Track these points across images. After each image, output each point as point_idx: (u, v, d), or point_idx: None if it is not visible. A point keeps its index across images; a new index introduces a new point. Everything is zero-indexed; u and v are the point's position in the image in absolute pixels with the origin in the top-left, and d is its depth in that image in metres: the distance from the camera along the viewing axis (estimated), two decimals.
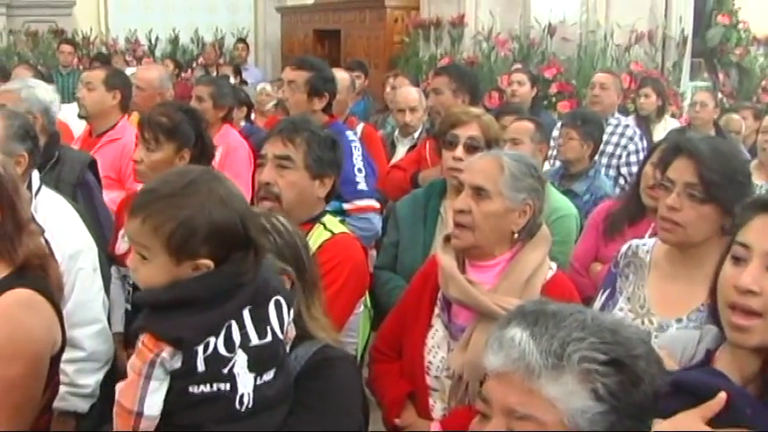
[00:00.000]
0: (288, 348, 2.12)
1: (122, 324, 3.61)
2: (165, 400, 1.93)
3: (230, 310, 1.94)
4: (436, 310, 2.85)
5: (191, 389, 1.92)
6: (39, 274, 2.48)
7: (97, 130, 4.92)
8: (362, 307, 3.13)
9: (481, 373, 2.62)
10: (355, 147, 4.17)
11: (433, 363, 2.82)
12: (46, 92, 4.27)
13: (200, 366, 1.91)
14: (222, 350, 1.92)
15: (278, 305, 2.03)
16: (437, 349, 2.82)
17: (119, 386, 1.95)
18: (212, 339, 1.91)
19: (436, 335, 2.83)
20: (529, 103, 6.73)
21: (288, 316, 2.06)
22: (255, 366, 1.96)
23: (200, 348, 1.90)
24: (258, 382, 1.97)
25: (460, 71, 5.19)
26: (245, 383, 1.95)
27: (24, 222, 2.47)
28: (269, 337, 1.99)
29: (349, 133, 4.13)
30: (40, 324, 2.44)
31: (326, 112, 4.49)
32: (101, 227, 3.82)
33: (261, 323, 1.98)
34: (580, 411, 1.45)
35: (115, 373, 3.39)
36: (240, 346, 1.94)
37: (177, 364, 1.90)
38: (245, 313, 1.96)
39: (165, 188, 1.94)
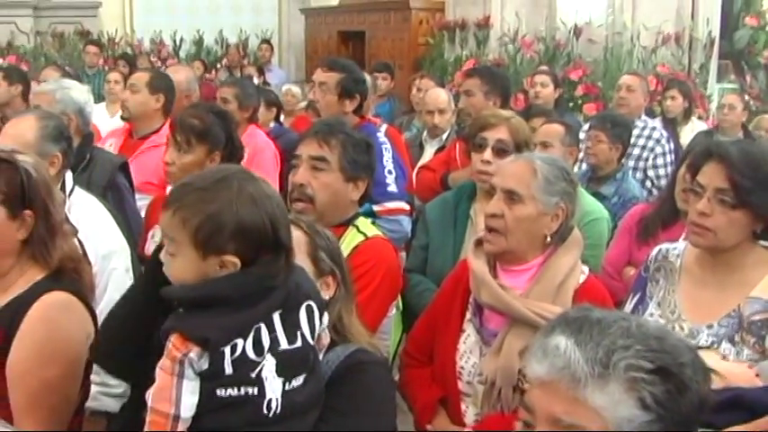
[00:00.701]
0: (321, 354, 2.12)
1: None
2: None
3: (259, 313, 1.94)
4: (468, 315, 2.84)
5: (218, 392, 1.92)
6: (73, 277, 2.52)
7: (138, 133, 4.91)
8: (395, 309, 3.12)
9: (514, 379, 2.63)
10: (386, 148, 4.16)
11: (465, 368, 2.80)
12: (80, 93, 4.31)
13: (228, 369, 1.90)
14: (251, 353, 1.91)
15: (309, 310, 2.02)
16: (469, 354, 2.80)
17: (149, 392, 1.94)
18: (240, 341, 1.90)
19: (468, 340, 2.82)
20: (552, 105, 6.70)
21: (319, 322, 2.05)
22: (284, 371, 1.96)
23: (228, 350, 1.90)
24: (287, 387, 1.96)
25: (492, 73, 5.16)
26: (274, 388, 1.94)
27: (58, 226, 2.51)
28: (298, 343, 1.98)
29: (379, 135, 4.13)
30: (77, 326, 2.49)
31: (357, 113, 4.49)
32: (130, 229, 3.84)
33: (291, 328, 1.98)
34: (626, 420, 1.43)
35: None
36: (269, 351, 1.93)
37: (205, 365, 1.90)
38: (276, 317, 1.95)
39: (198, 183, 1.96)
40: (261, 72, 10.96)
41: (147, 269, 2.25)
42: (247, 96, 5.40)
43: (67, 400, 2.48)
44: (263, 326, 1.93)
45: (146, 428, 1.94)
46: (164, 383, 1.91)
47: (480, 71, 5.15)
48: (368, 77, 5.82)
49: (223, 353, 1.89)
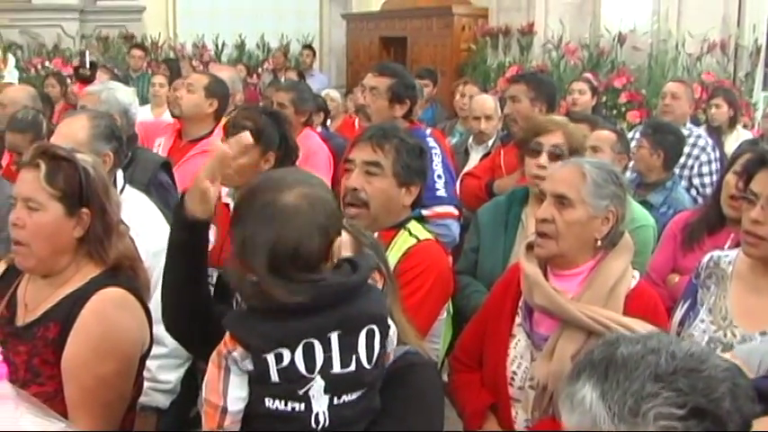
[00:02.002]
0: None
1: None
2: (245, 408, 1.98)
3: (307, 328, 1.94)
4: (518, 320, 2.83)
5: (267, 402, 1.96)
6: (129, 274, 2.56)
7: (188, 135, 4.96)
8: (445, 313, 3.12)
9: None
10: (436, 153, 4.16)
11: (516, 373, 2.79)
12: (125, 94, 4.39)
13: (274, 376, 1.93)
14: (300, 367, 1.93)
15: (370, 334, 2.02)
16: (520, 359, 2.79)
17: (204, 383, 2.01)
18: (286, 352, 1.93)
19: (518, 345, 2.81)
20: (589, 112, 6.68)
21: (380, 345, 2.05)
22: (332, 390, 1.98)
23: (271, 358, 1.92)
24: (335, 402, 1.98)
25: (539, 80, 5.12)
26: (320, 403, 1.96)
27: (114, 225, 2.55)
28: (352, 367, 1.99)
29: (429, 140, 4.12)
30: (133, 323, 2.52)
31: (407, 118, 4.50)
32: None
33: (347, 351, 1.98)
34: None
35: (192, 371, 3.47)
36: (320, 371, 1.95)
37: (249, 366, 1.95)
38: (333, 337, 1.96)
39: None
40: (301, 77, 11.01)
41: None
42: (303, 101, 5.43)
43: (121, 396, 2.51)
44: (316, 343, 1.94)
45: (203, 419, 2.00)
46: (212, 375, 1.98)
47: (527, 77, 5.13)
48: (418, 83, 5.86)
49: (266, 359, 1.92)
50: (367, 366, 2.01)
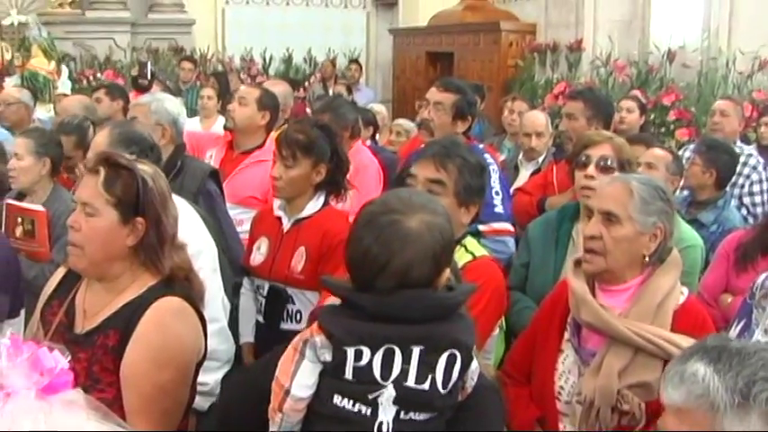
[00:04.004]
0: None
1: (252, 334, 3.72)
2: (313, 401, 2.04)
3: (393, 335, 2.00)
4: (566, 335, 2.85)
5: (336, 398, 2.01)
6: (184, 284, 2.60)
7: (240, 146, 5.02)
8: (498, 329, 3.15)
9: (613, 399, 2.63)
10: (493, 170, 4.15)
11: (564, 388, 2.81)
12: (174, 105, 4.46)
13: (348, 373, 1.99)
14: (376, 371, 1.98)
15: (451, 359, 2.05)
16: (568, 374, 2.81)
17: (280, 360, 2.09)
18: (366, 351, 1.98)
19: (566, 360, 2.83)
20: (637, 131, 6.62)
21: (458, 374, 2.08)
22: (401, 403, 2.02)
23: (351, 353, 1.98)
24: (402, 416, 2.02)
25: (597, 98, 5.07)
26: (387, 413, 2.00)
27: (169, 237, 2.59)
28: (426, 385, 2.02)
29: (486, 156, 4.15)
30: (189, 332, 2.56)
31: (465, 135, 4.52)
32: (222, 234, 3.97)
33: (425, 369, 2.02)
34: None
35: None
36: (394, 381, 2.00)
37: (327, 356, 2.00)
38: (415, 352, 2.01)
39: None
40: (350, 91, 11.07)
41: None
42: (341, 116, 5.39)
43: (178, 402, 2.56)
44: (397, 351, 1.99)
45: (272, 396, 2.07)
46: (288, 356, 2.06)
47: (585, 95, 5.06)
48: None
49: (345, 353, 1.98)
50: (441, 390, 2.04)
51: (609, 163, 3.61)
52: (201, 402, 3.19)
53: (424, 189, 2.97)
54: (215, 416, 2.88)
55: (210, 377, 3.25)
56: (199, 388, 3.21)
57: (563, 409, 2.81)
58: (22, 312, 3.44)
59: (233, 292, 3.75)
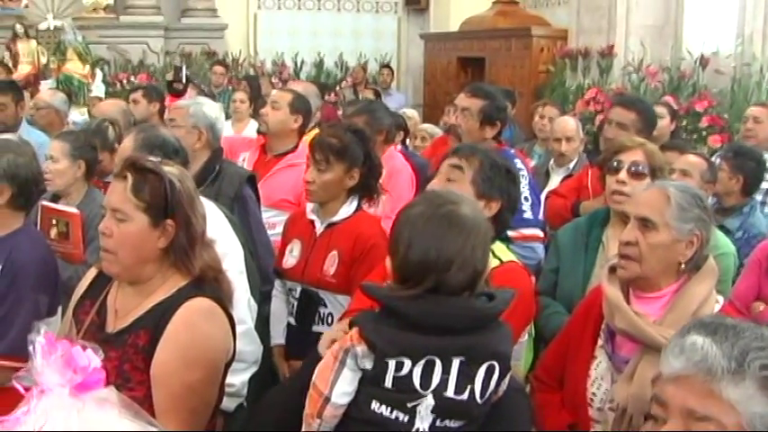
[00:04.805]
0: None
1: (283, 337, 3.73)
2: (350, 405, 2.04)
3: (432, 344, 2.00)
4: (600, 342, 2.82)
5: (374, 404, 2.01)
6: (213, 285, 2.61)
7: (273, 150, 5.03)
8: (527, 335, 3.13)
9: (646, 407, 2.58)
10: (523, 175, 4.12)
11: (596, 395, 2.79)
12: (212, 109, 4.46)
13: (388, 382, 1.99)
14: (416, 381, 1.99)
15: (490, 370, 2.07)
16: (600, 381, 2.79)
17: (318, 366, 2.09)
18: (407, 363, 1.98)
19: (599, 366, 2.81)
20: (668, 137, 6.57)
21: (496, 384, 2.10)
22: (438, 412, 2.03)
23: (392, 364, 1.98)
24: (438, 423, 2.03)
25: (649, 112, 5.01)
26: (424, 421, 2.02)
27: (198, 236, 2.60)
28: (465, 396, 2.04)
29: (516, 161, 4.14)
30: (219, 332, 2.57)
31: (495, 139, 4.52)
32: (251, 236, 4.01)
33: (465, 380, 2.04)
34: (759, 416, 1.50)
35: (271, 383, 3.51)
36: (434, 391, 2.01)
37: (368, 365, 2.00)
38: (455, 363, 2.02)
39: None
40: (378, 95, 11.04)
41: None
42: (378, 120, 5.40)
43: (207, 402, 2.57)
44: (438, 362, 2.00)
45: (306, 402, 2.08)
46: (327, 363, 2.07)
47: (638, 107, 4.97)
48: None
49: (387, 363, 1.98)
50: (478, 400, 2.06)
51: (640, 169, 3.59)
52: (228, 403, 3.20)
53: (443, 179, 3.03)
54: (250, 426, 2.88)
55: (237, 378, 3.26)
56: (226, 389, 3.25)
57: (595, 416, 2.79)
58: (59, 310, 3.46)
59: (261, 299, 3.75)
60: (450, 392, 2.02)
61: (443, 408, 2.02)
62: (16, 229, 3.37)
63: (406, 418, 2.01)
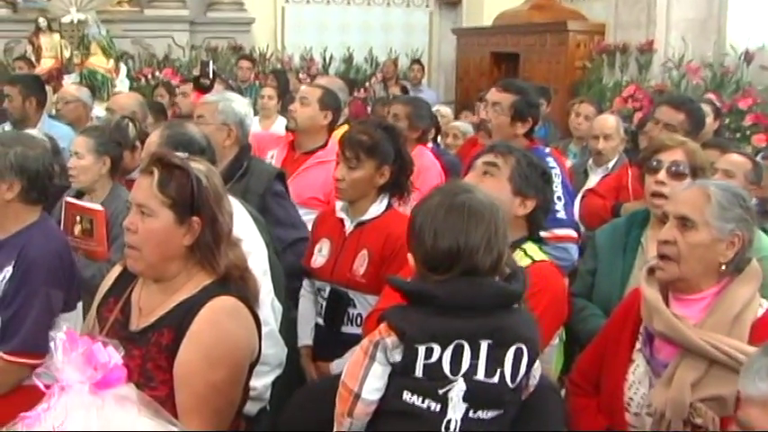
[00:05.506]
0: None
1: (311, 337, 3.74)
2: (380, 400, 2.06)
3: (461, 327, 2.04)
4: (638, 345, 2.81)
5: (405, 394, 2.05)
6: (239, 284, 2.63)
7: (302, 147, 5.04)
8: (557, 339, 3.13)
9: (685, 412, 2.60)
10: (556, 174, 4.10)
11: (633, 399, 2.78)
12: (241, 105, 4.47)
13: (419, 371, 2.03)
14: (446, 367, 2.02)
15: (518, 353, 2.11)
16: (638, 385, 2.78)
17: (346, 365, 2.14)
18: (436, 348, 2.02)
19: (637, 370, 2.80)
20: (710, 136, 6.51)
21: (526, 368, 2.13)
22: (471, 400, 2.05)
23: (422, 351, 2.02)
24: (471, 414, 2.06)
25: (699, 113, 4.96)
26: (456, 411, 2.05)
27: (224, 234, 2.62)
28: (495, 379, 2.08)
29: (549, 160, 4.12)
30: (243, 332, 2.59)
31: (528, 136, 4.50)
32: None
33: (494, 363, 2.08)
34: None
35: (297, 386, 3.52)
36: (464, 375, 2.04)
37: (398, 356, 2.04)
38: (484, 346, 2.06)
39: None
40: (405, 92, 11.01)
41: None
42: (419, 117, 5.44)
43: (231, 402, 2.58)
44: (466, 346, 2.04)
45: (337, 402, 2.12)
46: (357, 359, 2.11)
47: (688, 107, 4.94)
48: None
49: (416, 350, 2.02)
50: (510, 384, 2.10)
51: (681, 168, 3.57)
52: (250, 407, 3.21)
53: (478, 173, 3.04)
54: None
55: (259, 382, 3.27)
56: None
57: (632, 421, 2.78)
58: (79, 306, 3.50)
59: (287, 300, 3.77)
60: (480, 376, 2.06)
61: (475, 393, 2.05)
62: (30, 224, 3.41)
63: (438, 407, 2.04)
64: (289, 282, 3.83)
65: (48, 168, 3.46)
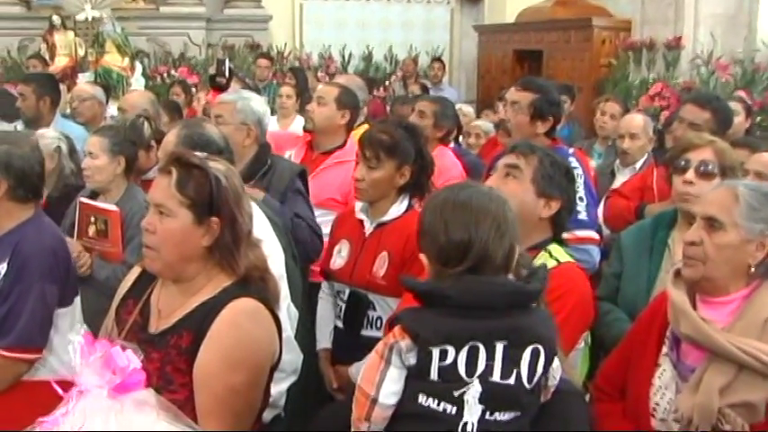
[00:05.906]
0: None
1: (330, 340, 3.75)
2: (397, 404, 2.08)
3: (477, 331, 2.05)
4: (664, 349, 2.80)
5: (420, 398, 2.06)
6: (259, 285, 2.64)
7: (320, 147, 5.06)
8: (583, 343, 3.12)
9: (713, 418, 2.58)
10: (578, 174, 4.05)
11: (660, 404, 2.76)
12: (259, 104, 4.51)
13: (434, 374, 2.04)
14: (461, 369, 2.03)
15: (535, 353, 2.12)
16: (664, 390, 2.77)
17: (362, 369, 2.16)
18: (451, 350, 2.03)
19: (664, 375, 2.78)
20: (741, 134, 6.47)
21: (543, 369, 2.14)
22: (487, 402, 2.06)
23: (436, 353, 2.03)
24: (488, 416, 2.07)
25: (725, 112, 4.92)
26: (472, 413, 2.05)
27: (244, 235, 2.63)
28: (511, 380, 2.08)
29: (572, 160, 4.11)
30: (264, 334, 2.60)
31: (549, 136, 4.49)
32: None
33: (510, 364, 2.09)
34: None
35: (315, 391, 3.54)
36: (479, 376, 2.05)
37: (412, 359, 2.06)
38: (499, 347, 2.07)
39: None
40: (425, 90, 10.99)
41: None
42: (445, 116, 5.46)
43: (251, 406, 2.59)
44: (481, 347, 2.05)
45: (353, 406, 2.14)
46: (372, 363, 2.12)
47: (714, 106, 4.89)
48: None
49: (431, 353, 2.03)
50: (527, 385, 2.11)
51: (710, 168, 3.56)
52: (265, 414, 3.20)
53: (501, 175, 3.05)
54: None
55: (274, 388, 3.22)
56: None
57: (658, 427, 2.76)
58: (76, 301, 3.55)
59: (305, 305, 3.78)
60: (496, 377, 2.07)
61: (491, 395, 2.06)
62: (24, 221, 3.44)
63: (453, 410, 2.06)
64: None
65: (35, 167, 3.48)
